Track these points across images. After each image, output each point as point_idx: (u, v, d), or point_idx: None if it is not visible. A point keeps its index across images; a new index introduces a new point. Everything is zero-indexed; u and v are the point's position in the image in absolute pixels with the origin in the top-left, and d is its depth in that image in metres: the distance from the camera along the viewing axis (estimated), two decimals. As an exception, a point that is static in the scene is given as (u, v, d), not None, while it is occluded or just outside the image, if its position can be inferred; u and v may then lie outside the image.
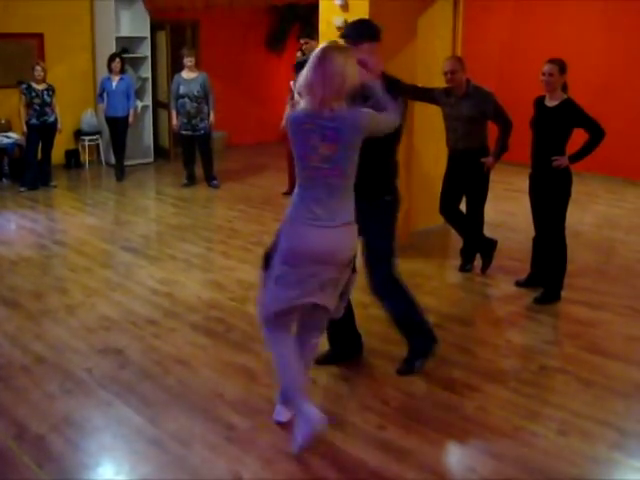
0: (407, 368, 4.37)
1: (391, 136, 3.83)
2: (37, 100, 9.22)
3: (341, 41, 3.92)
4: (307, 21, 9.68)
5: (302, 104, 3.48)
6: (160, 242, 7.33)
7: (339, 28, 6.48)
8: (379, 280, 4.27)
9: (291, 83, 8.88)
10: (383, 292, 4.31)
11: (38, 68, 9.26)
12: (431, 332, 4.46)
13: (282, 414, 3.86)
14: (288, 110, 8.55)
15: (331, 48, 3.47)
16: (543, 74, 5.35)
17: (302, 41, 8.21)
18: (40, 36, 10.45)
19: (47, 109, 9.30)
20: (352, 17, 6.48)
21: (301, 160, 3.51)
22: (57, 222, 8.16)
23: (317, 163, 3.45)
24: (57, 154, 10.17)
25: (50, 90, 9.35)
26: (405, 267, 4.97)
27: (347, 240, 3.55)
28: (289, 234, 3.53)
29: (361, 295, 5.22)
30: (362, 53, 3.80)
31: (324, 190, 3.47)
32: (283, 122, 8.86)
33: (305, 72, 3.43)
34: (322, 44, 3.60)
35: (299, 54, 8.43)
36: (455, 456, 3.71)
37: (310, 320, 3.74)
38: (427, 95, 6.10)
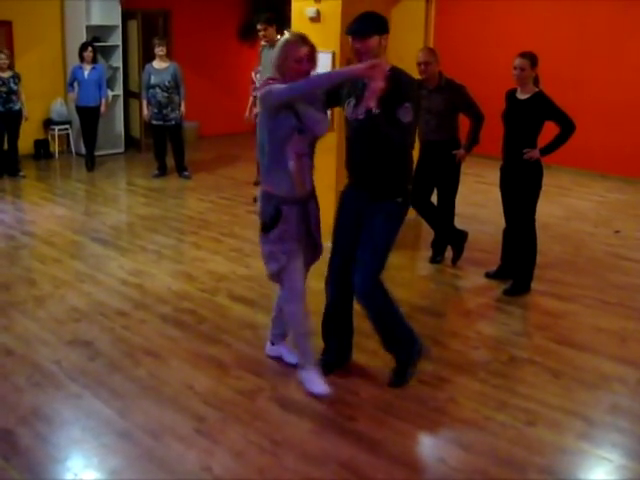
0: (399, 380, 4.14)
1: (405, 132, 3.79)
2: (3, 88, 9.08)
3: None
4: (280, 12, 9.58)
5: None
6: (130, 233, 7.27)
7: (312, 19, 6.47)
8: (366, 283, 3.96)
9: (252, 74, 8.80)
10: (369, 294, 3.99)
11: (2, 56, 9.12)
12: (414, 337, 4.19)
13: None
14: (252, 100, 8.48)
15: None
16: (514, 68, 5.37)
17: (260, 26, 8.02)
18: (9, 24, 10.25)
19: (13, 97, 9.17)
20: (325, 8, 6.49)
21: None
22: (26, 212, 8.06)
23: None
24: (26, 144, 10.05)
25: (16, 78, 9.22)
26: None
27: None
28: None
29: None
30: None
31: None
32: (247, 113, 8.82)
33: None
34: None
35: (263, 42, 8.19)
36: (425, 447, 3.74)
37: None
38: None
